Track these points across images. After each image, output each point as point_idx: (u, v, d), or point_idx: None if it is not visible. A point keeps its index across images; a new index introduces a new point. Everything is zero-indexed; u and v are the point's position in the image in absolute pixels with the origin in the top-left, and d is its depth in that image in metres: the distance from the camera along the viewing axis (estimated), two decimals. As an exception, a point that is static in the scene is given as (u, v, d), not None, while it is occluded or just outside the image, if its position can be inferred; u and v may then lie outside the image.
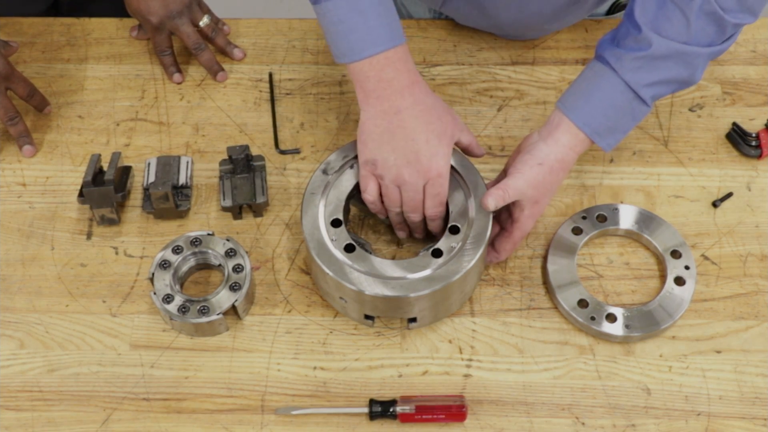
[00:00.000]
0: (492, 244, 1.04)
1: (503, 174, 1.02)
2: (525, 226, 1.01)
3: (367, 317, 0.99)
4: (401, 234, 1.05)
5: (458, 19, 1.25)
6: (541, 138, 1.00)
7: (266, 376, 0.99)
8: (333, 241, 0.97)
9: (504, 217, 1.04)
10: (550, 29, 1.24)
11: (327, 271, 0.95)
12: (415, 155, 0.95)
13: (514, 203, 1.00)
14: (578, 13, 1.22)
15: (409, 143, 0.95)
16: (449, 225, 0.98)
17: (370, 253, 0.98)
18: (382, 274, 0.95)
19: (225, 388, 0.98)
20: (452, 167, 1.00)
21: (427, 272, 0.95)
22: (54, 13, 1.40)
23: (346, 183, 1.02)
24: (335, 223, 0.99)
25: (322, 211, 1.00)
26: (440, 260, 0.96)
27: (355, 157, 1.02)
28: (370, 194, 0.99)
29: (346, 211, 1.02)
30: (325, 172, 1.02)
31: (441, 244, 0.97)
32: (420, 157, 0.95)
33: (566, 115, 0.99)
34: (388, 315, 1.00)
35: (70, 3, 1.44)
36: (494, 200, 0.97)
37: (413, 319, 0.98)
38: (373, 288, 0.94)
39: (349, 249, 0.97)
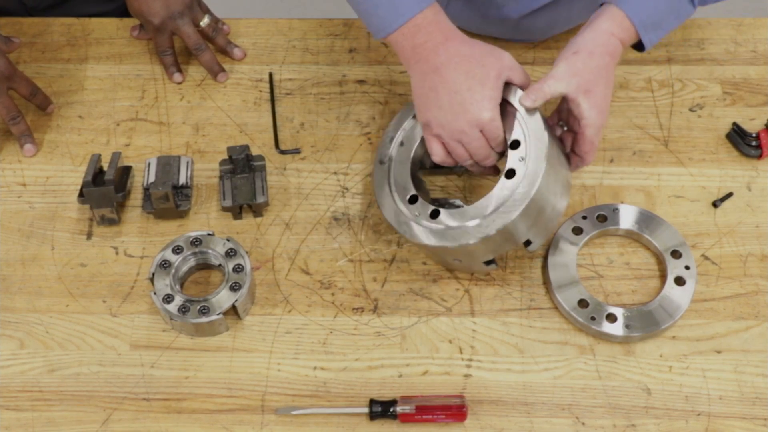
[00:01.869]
0: (573, 151, 1.02)
1: None
2: (591, 120, 0.96)
3: (487, 263, 1.00)
4: (485, 173, 1.06)
5: (460, 23, 1.25)
6: (579, 30, 1.00)
7: (266, 376, 0.99)
8: (417, 217, 0.99)
9: (571, 121, 1.01)
10: (551, 32, 1.24)
11: (428, 245, 0.96)
12: (462, 106, 0.95)
13: (569, 102, 0.97)
14: (577, 17, 1.22)
15: (453, 96, 0.95)
16: (510, 141, 0.98)
17: (459, 206, 1.00)
18: (476, 217, 0.95)
19: (225, 388, 0.98)
20: (507, 101, 0.99)
21: (513, 194, 0.94)
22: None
23: (403, 161, 1.04)
24: (412, 200, 1.00)
25: (397, 197, 1.01)
26: (517, 179, 0.95)
27: (405, 130, 1.05)
28: (437, 155, 1.00)
29: (417, 183, 1.04)
30: (381, 162, 1.04)
31: (510, 164, 0.96)
32: (467, 107, 0.95)
33: (616, 4, 0.98)
34: (504, 250, 1.00)
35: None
36: (532, 96, 0.95)
37: (528, 242, 0.98)
38: (476, 235, 0.94)
39: (435, 215, 0.98)
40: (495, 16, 1.20)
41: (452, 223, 0.97)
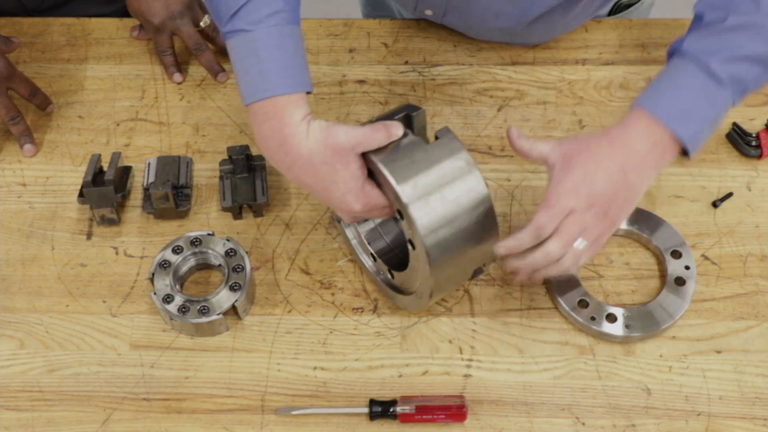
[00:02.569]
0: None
1: None
2: (549, 206, 0.86)
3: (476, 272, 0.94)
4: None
5: (459, 28, 1.25)
6: None
7: (266, 376, 0.99)
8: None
9: None
10: (550, 36, 1.24)
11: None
12: (338, 203, 0.91)
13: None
14: (579, 20, 1.23)
15: (323, 195, 0.91)
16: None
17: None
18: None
19: (225, 388, 0.98)
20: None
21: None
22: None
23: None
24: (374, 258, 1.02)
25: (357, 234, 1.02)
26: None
27: None
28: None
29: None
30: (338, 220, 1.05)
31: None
32: (342, 205, 0.91)
33: (635, 104, 0.91)
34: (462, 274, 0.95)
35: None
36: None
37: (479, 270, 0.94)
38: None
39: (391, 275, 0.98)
40: (492, 26, 1.21)
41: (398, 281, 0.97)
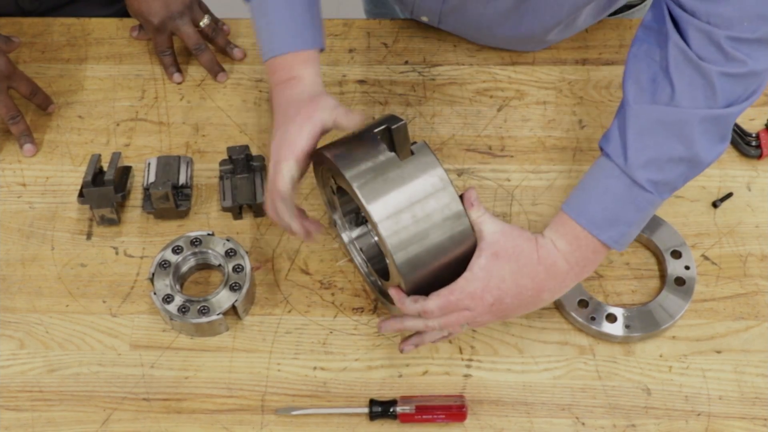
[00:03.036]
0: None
1: None
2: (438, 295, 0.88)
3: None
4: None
5: (457, 33, 1.25)
6: None
7: (266, 376, 0.99)
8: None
9: None
10: (546, 43, 1.24)
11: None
12: (274, 146, 0.93)
13: None
14: (572, 29, 1.22)
15: (274, 132, 0.94)
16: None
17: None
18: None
19: (225, 388, 0.98)
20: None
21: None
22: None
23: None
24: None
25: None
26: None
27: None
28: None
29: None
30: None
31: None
32: (273, 150, 0.93)
33: (562, 208, 0.91)
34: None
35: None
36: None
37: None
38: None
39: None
40: (487, 34, 1.21)
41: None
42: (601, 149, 0.91)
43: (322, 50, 0.99)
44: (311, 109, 0.91)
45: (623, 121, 0.89)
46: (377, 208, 0.86)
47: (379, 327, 0.94)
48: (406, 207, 0.86)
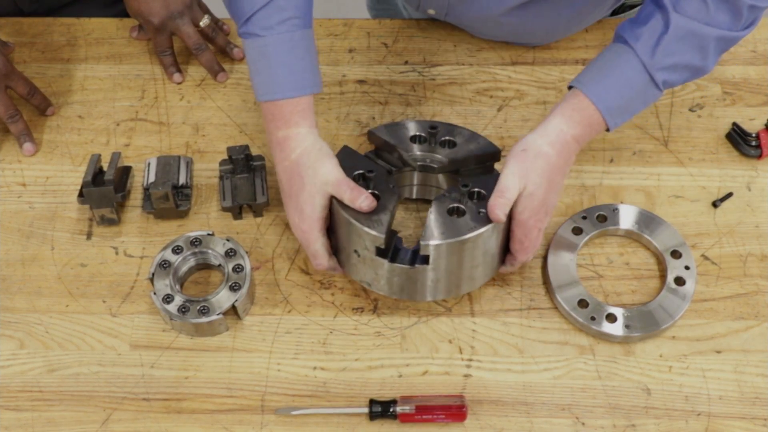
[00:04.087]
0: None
1: None
2: (520, 221, 0.95)
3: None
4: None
5: (463, 26, 1.25)
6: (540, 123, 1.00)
7: (266, 376, 0.99)
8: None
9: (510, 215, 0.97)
10: (555, 37, 1.24)
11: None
12: (290, 215, 1.00)
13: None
14: (581, 24, 1.23)
15: (285, 201, 1.00)
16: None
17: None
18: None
19: (225, 388, 0.98)
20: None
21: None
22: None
23: None
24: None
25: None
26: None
27: None
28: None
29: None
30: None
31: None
32: (291, 218, 0.99)
33: (582, 90, 0.98)
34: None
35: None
36: (500, 210, 0.93)
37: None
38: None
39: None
40: (494, 27, 1.21)
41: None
42: (622, 38, 0.98)
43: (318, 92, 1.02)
44: (318, 182, 0.96)
45: (663, 25, 0.96)
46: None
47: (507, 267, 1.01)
48: None
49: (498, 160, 1.04)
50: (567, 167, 0.99)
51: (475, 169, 1.03)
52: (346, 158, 1.00)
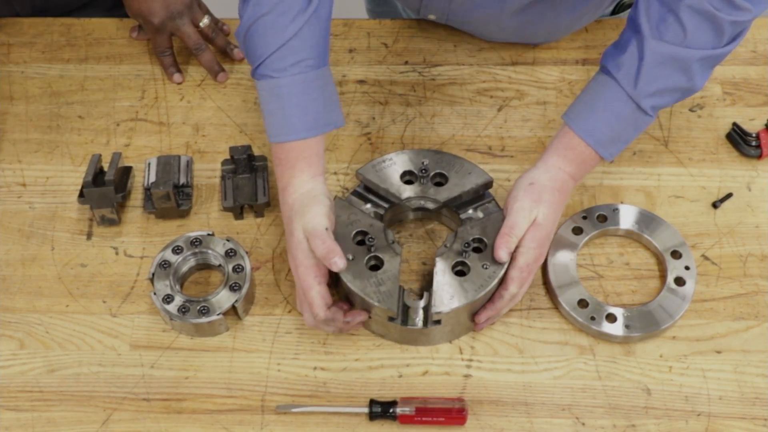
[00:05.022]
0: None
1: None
2: (524, 249, 0.97)
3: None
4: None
5: (464, 29, 1.25)
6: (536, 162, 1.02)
7: (266, 376, 0.99)
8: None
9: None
10: (554, 38, 1.24)
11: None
12: (289, 254, 0.98)
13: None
14: (581, 22, 1.23)
15: (287, 239, 0.99)
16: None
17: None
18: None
19: (225, 389, 0.98)
20: None
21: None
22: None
23: None
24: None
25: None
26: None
27: None
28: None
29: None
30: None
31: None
32: (289, 257, 0.98)
33: (570, 125, 1.00)
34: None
35: None
36: (506, 250, 0.96)
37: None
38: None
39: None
40: (495, 29, 1.21)
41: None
42: (605, 69, 0.99)
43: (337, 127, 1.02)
44: (303, 229, 0.95)
45: (639, 53, 0.96)
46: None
47: (476, 328, 1.00)
48: None
49: (490, 188, 1.05)
50: (564, 203, 1.01)
51: (470, 200, 1.05)
52: (340, 212, 1.01)
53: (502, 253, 0.95)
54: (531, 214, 0.96)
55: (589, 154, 1.00)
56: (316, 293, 0.94)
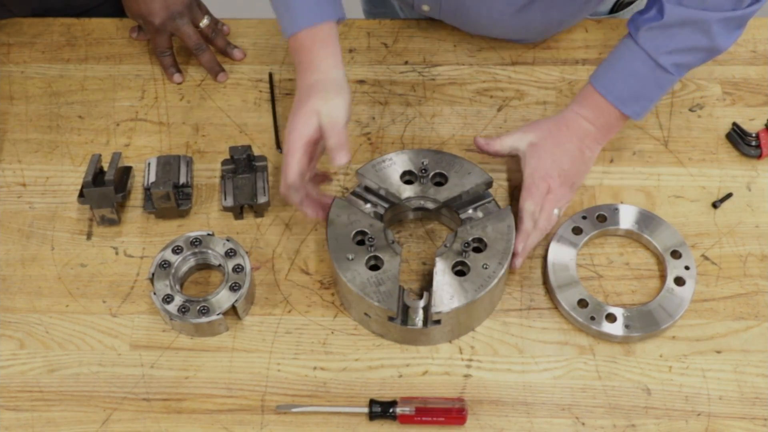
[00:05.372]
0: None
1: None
2: (523, 204, 1.03)
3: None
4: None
5: (456, 25, 1.25)
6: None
7: (266, 376, 0.99)
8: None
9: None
10: (548, 34, 1.24)
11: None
12: (288, 128, 1.01)
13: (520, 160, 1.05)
14: (577, 18, 1.23)
15: (289, 118, 1.01)
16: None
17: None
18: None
19: (225, 388, 0.98)
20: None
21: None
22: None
23: None
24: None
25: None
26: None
27: None
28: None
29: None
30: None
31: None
32: (290, 125, 1.00)
33: (591, 83, 1.04)
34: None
35: None
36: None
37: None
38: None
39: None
40: (487, 26, 1.21)
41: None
42: (628, 30, 1.02)
43: (342, 20, 1.05)
44: (323, 109, 0.98)
45: (659, 14, 0.99)
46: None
47: (513, 265, 1.02)
48: None
49: (490, 188, 1.06)
50: (578, 140, 1.04)
51: (470, 200, 1.05)
52: (339, 212, 1.01)
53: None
54: (523, 139, 1.04)
55: (607, 107, 1.03)
56: (296, 160, 0.98)
